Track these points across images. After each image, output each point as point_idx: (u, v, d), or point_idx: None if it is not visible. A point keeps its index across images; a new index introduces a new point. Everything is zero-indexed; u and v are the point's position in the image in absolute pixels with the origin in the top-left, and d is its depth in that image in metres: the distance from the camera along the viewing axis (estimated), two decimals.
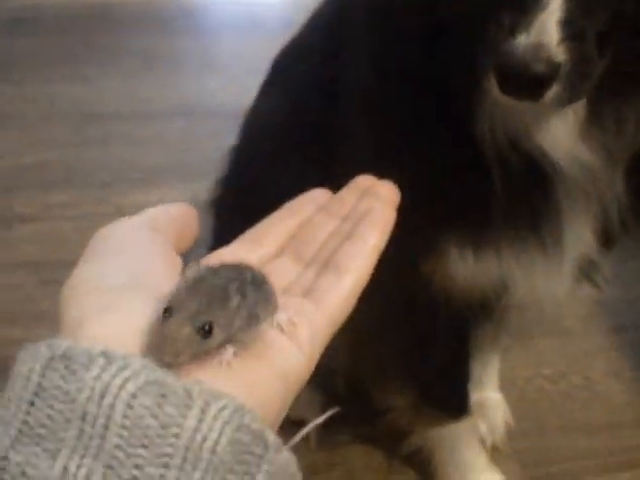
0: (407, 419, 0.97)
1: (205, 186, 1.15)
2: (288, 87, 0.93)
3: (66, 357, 0.31)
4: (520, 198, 0.75)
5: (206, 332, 0.32)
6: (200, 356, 0.33)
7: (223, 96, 1.58)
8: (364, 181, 0.48)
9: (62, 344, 0.31)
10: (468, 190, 0.76)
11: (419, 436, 1.00)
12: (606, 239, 0.81)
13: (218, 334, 0.33)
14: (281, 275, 0.42)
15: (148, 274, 0.37)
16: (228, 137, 1.09)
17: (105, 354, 0.30)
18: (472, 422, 1.00)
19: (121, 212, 1.45)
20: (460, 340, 0.92)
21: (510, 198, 0.74)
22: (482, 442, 1.06)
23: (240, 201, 0.99)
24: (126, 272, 0.36)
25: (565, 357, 1.23)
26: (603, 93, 0.66)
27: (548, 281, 0.81)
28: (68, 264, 0.38)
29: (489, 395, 1.12)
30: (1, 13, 1.88)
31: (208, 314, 0.33)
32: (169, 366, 0.32)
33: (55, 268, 1.23)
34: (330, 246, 0.43)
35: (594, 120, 0.69)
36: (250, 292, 0.35)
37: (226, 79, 1.66)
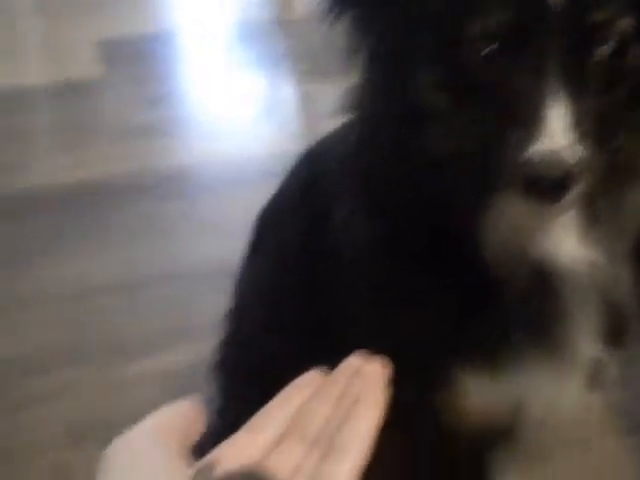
0: None
1: (208, 347, 1.17)
2: (273, 248, 0.96)
3: None
4: (530, 311, 0.75)
5: None
6: None
7: (217, 255, 1.59)
8: (354, 361, 0.52)
9: None
10: (478, 315, 0.76)
11: None
12: (616, 338, 0.81)
13: None
14: (286, 460, 0.46)
15: None
16: (226, 296, 1.12)
17: None
18: None
19: (125, 384, 1.43)
20: (477, 465, 0.92)
21: (520, 312, 0.74)
22: None
23: (241, 364, 1.01)
24: None
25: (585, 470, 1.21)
26: (597, 190, 0.67)
27: (562, 391, 0.80)
28: None
29: None
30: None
31: None
32: None
33: None
34: (328, 430, 0.47)
35: (592, 218, 0.71)
36: None
37: (217, 238, 1.70)
